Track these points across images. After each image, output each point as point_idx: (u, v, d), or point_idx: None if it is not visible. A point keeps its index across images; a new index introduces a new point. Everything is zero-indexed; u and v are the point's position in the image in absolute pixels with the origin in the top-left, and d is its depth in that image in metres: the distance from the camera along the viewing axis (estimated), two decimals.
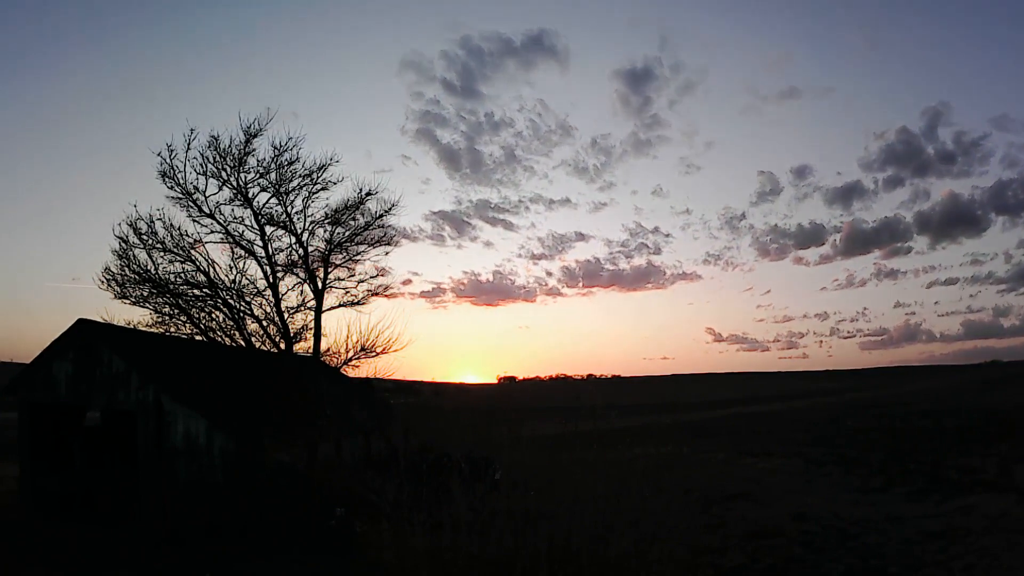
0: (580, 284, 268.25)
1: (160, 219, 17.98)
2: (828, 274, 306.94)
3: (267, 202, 18.28)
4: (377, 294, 19.85)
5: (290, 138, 17.93)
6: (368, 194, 19.02)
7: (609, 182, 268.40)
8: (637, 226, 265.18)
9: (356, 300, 19.71)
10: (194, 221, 18.11)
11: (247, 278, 18.51)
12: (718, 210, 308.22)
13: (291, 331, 18.70)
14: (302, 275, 18.99)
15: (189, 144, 17.46)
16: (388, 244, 19.78)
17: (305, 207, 18.64)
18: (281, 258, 18.76)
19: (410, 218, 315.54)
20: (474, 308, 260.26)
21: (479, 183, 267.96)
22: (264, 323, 18.60)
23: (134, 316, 18.63)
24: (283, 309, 18.66)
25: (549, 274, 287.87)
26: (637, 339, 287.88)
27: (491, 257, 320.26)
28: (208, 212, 18.01)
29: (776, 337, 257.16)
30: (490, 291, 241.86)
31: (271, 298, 18.60)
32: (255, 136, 17.61)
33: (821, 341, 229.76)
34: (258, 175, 17.97)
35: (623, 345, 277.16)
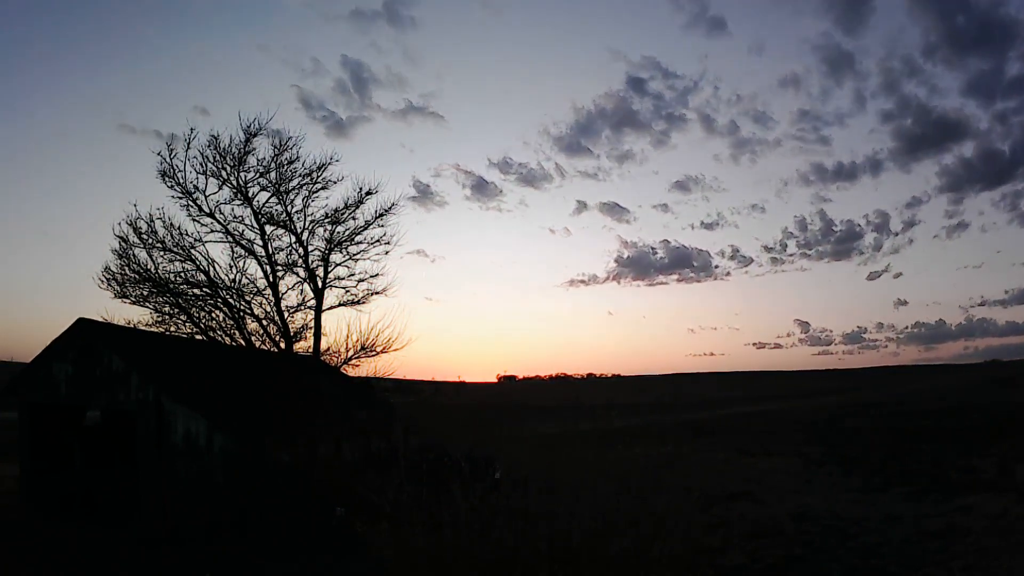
0: (774, 252, 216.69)
1: (160, 218, 17.98)
2: None
3: (267, 201, 18.26)
4: (377, 293, 19.80)
5: (290, 137, 17.93)
6: (368, 193, 19.01)
7: None
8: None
9: (356, 299, 19.68)
10: (194, 220, 18.09)
11: (247, 277, 18.49)
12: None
13: (291, 330, 18.67)
14: (302, 274, 18.97)
15: (189, 143, 17.47)
16: (388, 244, 19.73)
17: (305, 206, 18.62)
18: (281, 257, 18.74)
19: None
20: (619, 288, 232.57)
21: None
22: (264, 322, 18.58)
23: (134, 316, 18.63)
24: (283, 308, 18.64)
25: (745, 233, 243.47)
26: (711, 330, 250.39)
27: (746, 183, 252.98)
28: (208, 211, 18.00)
29: (853, 329, 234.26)
30: (659, 264, 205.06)
31: (271, 297, 18.58)
32: (255, 135, 17.59)
33: (885, 335, 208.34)
34: (258, 174, 17.95)
35: (680, 339, 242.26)
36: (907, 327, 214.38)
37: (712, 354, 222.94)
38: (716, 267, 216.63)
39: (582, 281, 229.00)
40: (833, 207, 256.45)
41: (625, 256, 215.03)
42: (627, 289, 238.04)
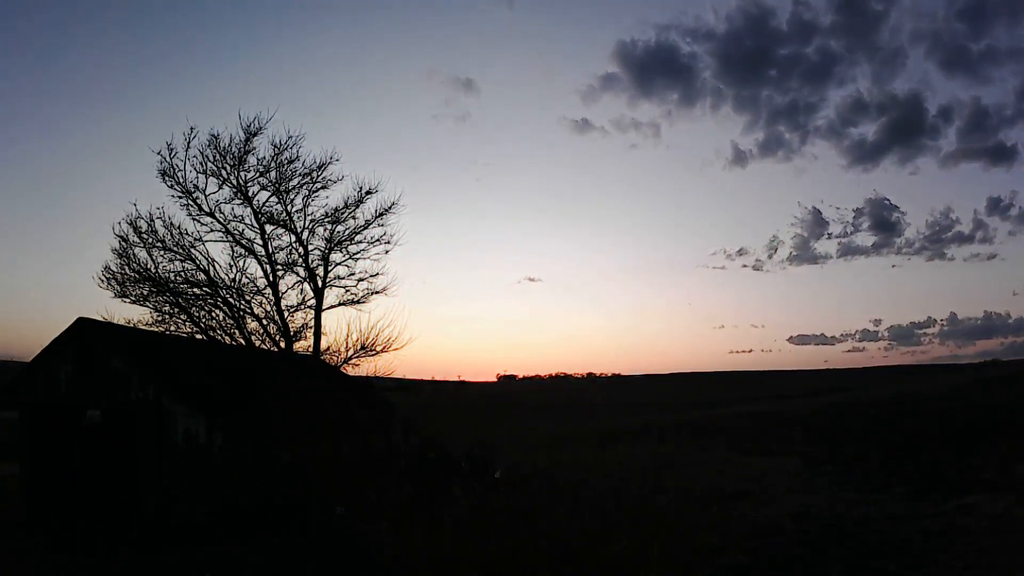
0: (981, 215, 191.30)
1: (160, 217, 18.01)
2: None
3: (267, 200, 18.27)
4: (377, 292, 19.78)
5: (290, 136, 17.92)
6: (368, 192, 19.00)
7: None
8: None
9: (356, 299, 19.67)
10: (194, 220, 18.11)
11: (247, 276, 18.49)
12: None
13: (291, 330, 18.67)
14: (302, 273, 18.97)
15: (189, 143, 17.47)
16: (388, 243, 19.72)
17: (305, 205, 18.62)
18: (281, 256, 18.73)
19: None
20: (766, 268, 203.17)
21: None
22: (264, 322, 18.57)
23: (134, 315, 18.64)
24: (283, 308, 18.64)
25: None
26: (770, 326, 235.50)
27: None
28: (208, 211, 18.01)
29: (921, 320, 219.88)
30: (837, 230, 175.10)
31: (271, 297, 18.58)
32: (255, 134, 17.59)
33: (936, 330, 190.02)
34: (258, 173, 17.95)
35: (733, 334, 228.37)
36: (971, 319, 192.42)
37: (750, 351, 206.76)
38: (910, 236, 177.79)
39: (729, 256, 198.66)
40: None
41: (800, 216, 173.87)
42: (772, 271, 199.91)
